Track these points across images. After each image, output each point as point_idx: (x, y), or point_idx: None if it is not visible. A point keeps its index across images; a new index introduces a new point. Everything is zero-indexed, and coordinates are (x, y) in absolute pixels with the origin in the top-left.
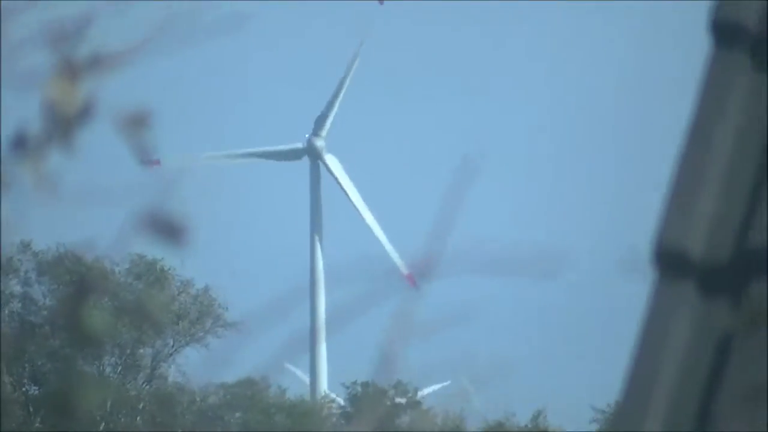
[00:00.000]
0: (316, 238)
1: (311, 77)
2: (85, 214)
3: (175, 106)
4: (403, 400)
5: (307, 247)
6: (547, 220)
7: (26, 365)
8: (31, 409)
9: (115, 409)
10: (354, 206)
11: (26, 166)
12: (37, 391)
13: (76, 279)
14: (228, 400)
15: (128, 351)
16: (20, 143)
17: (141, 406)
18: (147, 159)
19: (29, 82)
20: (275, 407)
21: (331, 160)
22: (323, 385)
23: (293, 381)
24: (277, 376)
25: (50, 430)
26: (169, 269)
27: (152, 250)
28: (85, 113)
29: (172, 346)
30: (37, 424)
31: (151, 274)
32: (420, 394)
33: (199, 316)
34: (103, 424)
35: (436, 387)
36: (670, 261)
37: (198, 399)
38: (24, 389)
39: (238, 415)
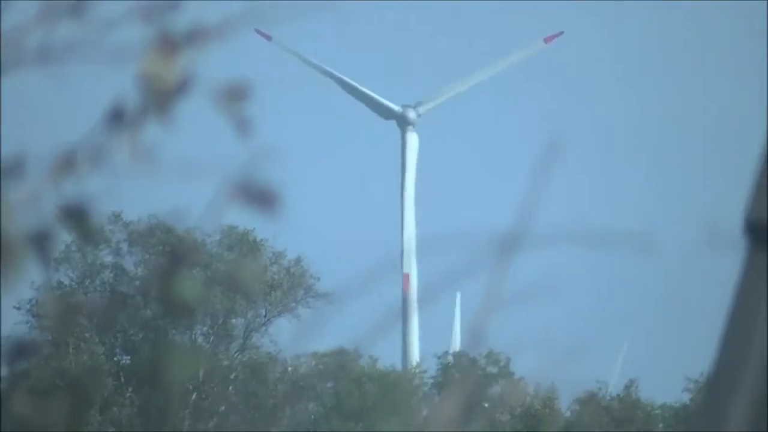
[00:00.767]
0: (407, 207)
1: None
2: (176, 186)
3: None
4: (494, 370)
5: (399, 217)
6: (635, 201)
7: (118, 335)
8: (123, 379)
9: (207, 379)
10: (406, 192)
11: (122, 139)
12: (128, 361)
13: (168, 250)
14: (320, 369)
15: (220, 321)
16: (117, 116)
17: (233, 375)
18: (244, 131)
19: (126, 56)
20: (366, 377)
21: (411, 137)
22: (415, 355)
23: (385, 350)
24: (369, 347)
25: (142, 399)
26: (261, 240)
27: (244, 220)
28: (181, 87)
29: (265, 316)
30: (128, 394)
31: (244, 245)
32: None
33: (291, 287)
34: (195, 393)
35: (527, 357)
36: (760, 233)
37: (290, 369)
38: (116, 359)
39: (329, 384)
